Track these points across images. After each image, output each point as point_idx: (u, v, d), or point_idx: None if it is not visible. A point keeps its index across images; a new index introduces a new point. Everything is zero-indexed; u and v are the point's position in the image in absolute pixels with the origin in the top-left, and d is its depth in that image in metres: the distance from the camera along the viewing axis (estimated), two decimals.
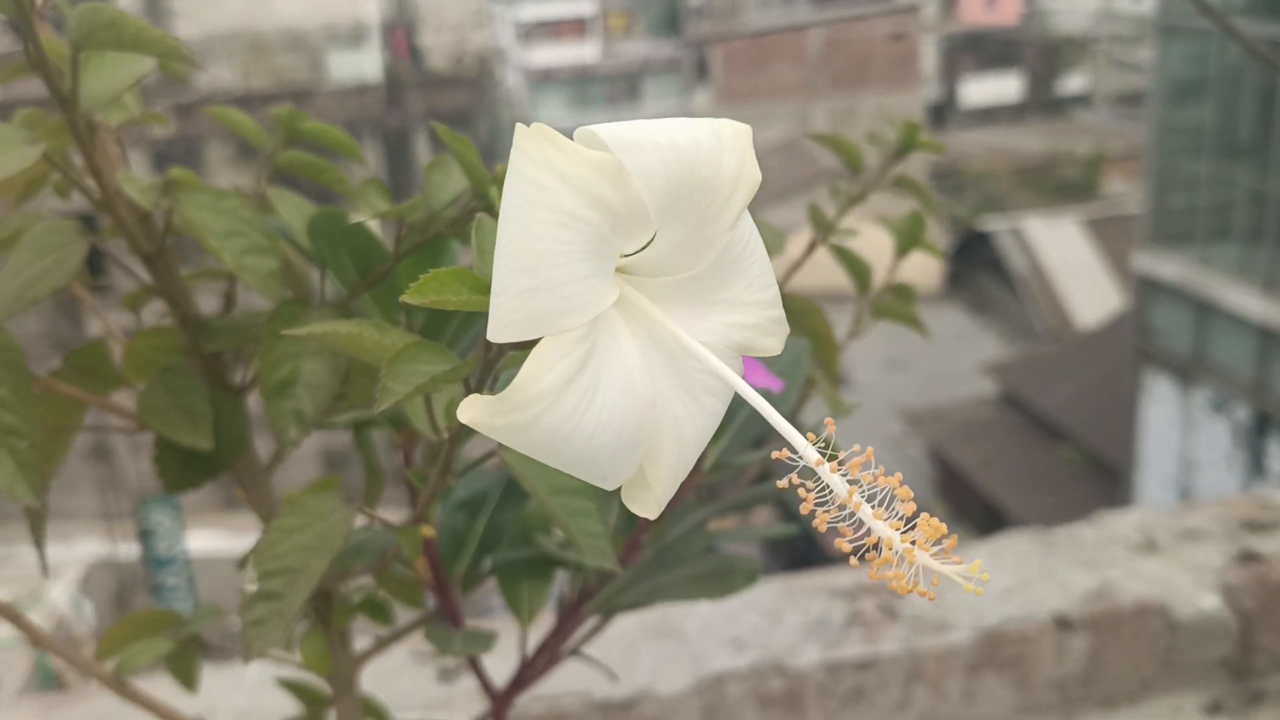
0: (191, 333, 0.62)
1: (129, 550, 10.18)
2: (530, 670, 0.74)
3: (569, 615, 0.71)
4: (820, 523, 0.31)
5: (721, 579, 0.68)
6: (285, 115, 0.64)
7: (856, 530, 0.31)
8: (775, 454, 0.32)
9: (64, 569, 8.95)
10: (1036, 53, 20.92)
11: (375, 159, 12.52)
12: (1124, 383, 11.15)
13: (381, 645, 0.73)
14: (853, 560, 0.31)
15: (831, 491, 0.31)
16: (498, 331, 0.30)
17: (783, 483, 0.32)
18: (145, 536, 10.10)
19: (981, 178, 18.80)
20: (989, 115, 20.85)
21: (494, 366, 0.38)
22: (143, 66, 0.53)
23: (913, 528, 0.30)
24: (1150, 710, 1.39)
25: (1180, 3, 11.08)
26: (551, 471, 0.45)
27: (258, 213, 0.57)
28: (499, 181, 0.51)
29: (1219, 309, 10.02)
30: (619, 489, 0.34)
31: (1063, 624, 1.36)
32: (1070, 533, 1.55)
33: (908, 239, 0.83)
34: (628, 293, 0.34)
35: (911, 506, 0.30)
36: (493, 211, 0.52)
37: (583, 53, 19.44)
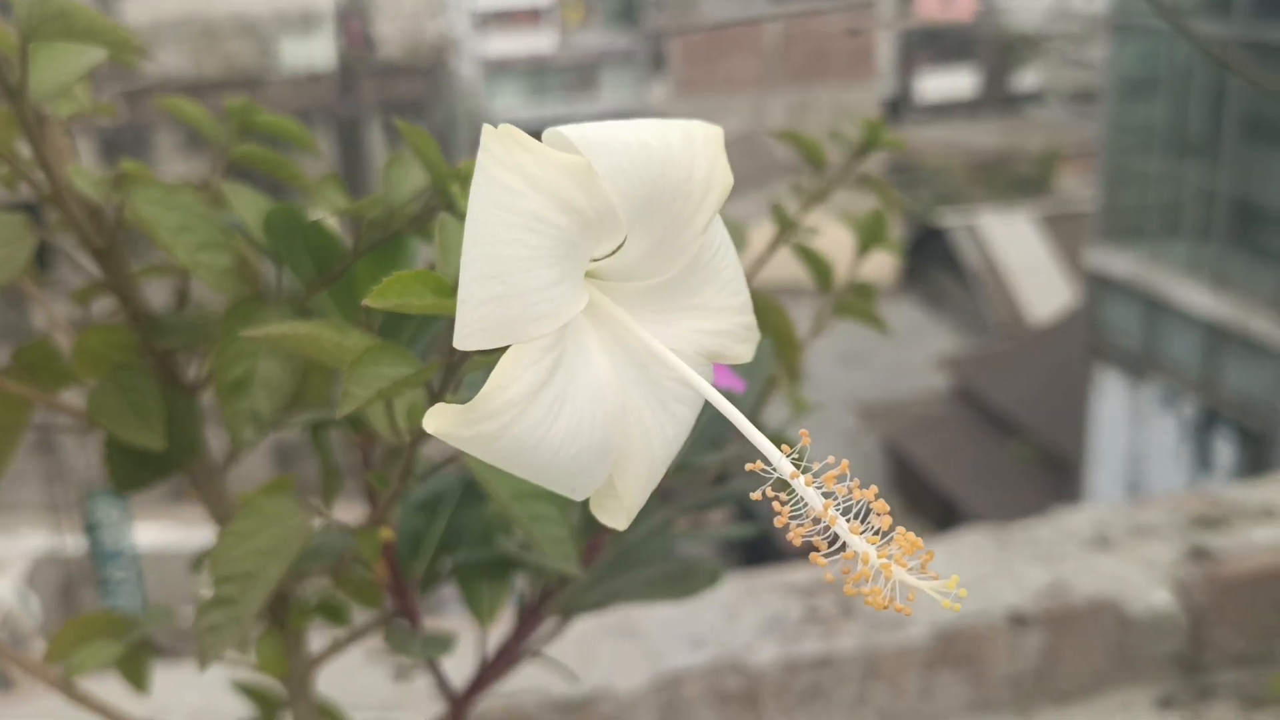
0: (143, 330, 0.61)
1: (75, 543, 10.04)
2: (490, 672, 0.73)
3: (529, 617, 0.71)
4: (795, 537, 0.30)
5: (683, 581, 0.67)
6: (238, 107, 0.63)
7: (831, 544, 0.30)
8: (749, 466, 0.31)
9: (9, 563, 8.81)
10: (991, 50, 21.08)
11: (328, 148, 12.40)
12: (1075, 378, 11.29)
13: (338, 647, 0.72)
14: (828, 575, 0.30)
15: (806, 505, 0.30)
16: (464, 339, 0.29)
17: (756, 494, 0.31)
18: (92, 530, 9.96)
19: (937, 173, 18.93)
20: (944, 111, 20.98)
21: (456, 370, 0.38)
22: (92, 57, 0.52)
23: (889, 541, 0.30)
24: (1103, 705, 1.41)
25: (1133, 2, 11.20)
26: (513, 476, 0.44)
27: (211, 208, 0.56)
28: (460, 178, 0.50)
29: (1168, 305, 10.16)
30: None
31: (1017, 620, 1.37)
32: (1025, 529, 1.56)
33: (869, 237, 0.83)
34: (597, 299, 0.33)
35: (888, 520, 0.30)
36: (454, 209, 0.51)
37: (539, 43, 19.36)
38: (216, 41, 12.26)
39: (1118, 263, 10.59)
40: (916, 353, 14.30)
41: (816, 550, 0.30)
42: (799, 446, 0.31)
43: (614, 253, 0.33)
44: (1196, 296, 9.84)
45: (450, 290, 0.33)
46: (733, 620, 1.39)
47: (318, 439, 0.64)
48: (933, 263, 17.02)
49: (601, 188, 0.30)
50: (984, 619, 1.37)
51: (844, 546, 0.30)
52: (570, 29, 19.98)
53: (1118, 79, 11.50)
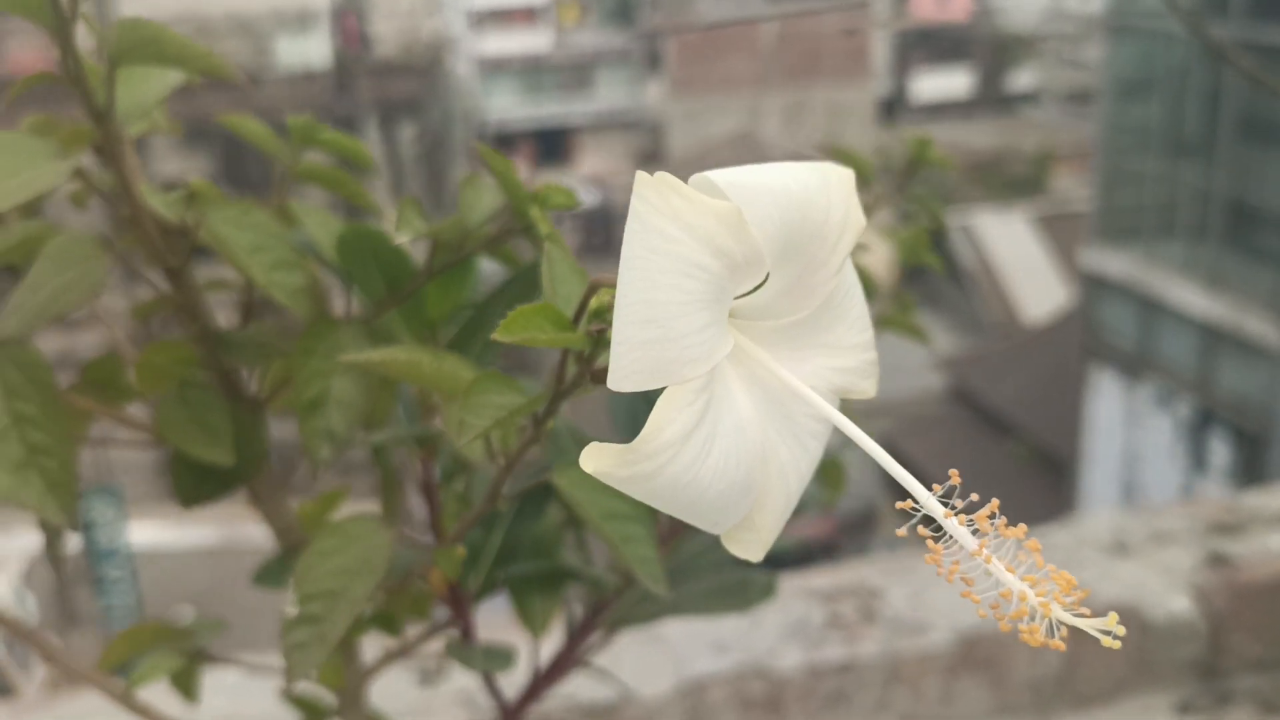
0: (210, 346, 0.61)
1: (71, 542, 10.04)
2: (542, 682, 0.74)
3: (583, 628, 0.71)
4: (949, 575, 0.31)
5: (737, 594, 0.68)
6: (301, 125, 0.64)
7: (984, 580, 0.31)
8: (899, 504, 0.32)
9: (5, 562, 8.80)
10: (986, 50, 21.11)
11: (317, 151, 12.35)
12: (1071, 378, 11.32)
13: (390, 658, 0.73)
14: (980, 611, 0.31)
15: (959, 544, 0.31)
16: (620, 381, 0.30)
17: (902, 531, 0.32)
18: (87, 528, 9.95)
19: (932, 173, 18.90)
20: (939, 111, 21.01)
21: (562, 400, 0.38)
22: (172, 79, 0.52)
23: (1044, 579, 0.30)
24: (1122, 710, 1.42)
25: (1129, 2, 11.23)
26: (604, 497, 0.45)
27: (283, 227, 0.56)
28: (539, 200, 0.51)
29: (1164, 305, 10.19)
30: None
31: None
32: (1043, 534, 1.57)
33: (911, 253, 0.84)
34: (736, 338, 0.33)
35: (1040, 559, 0.31)
36: (531, 234, 0.52)
37: (535, 42, 19.35)
38: (212, 40, 12.24)
39: (1113, 263, 10.61)
40: (913, 352, 14.32)
41: (969, 588, 0.31)
42: (947, 484, 0.32)
43: (752, 292, 0.34)
44: (1192, 297, 9.88)
45: (568, 324, 0.34)
46: (755, 625, 1.40)
47: (379, 454, 0.65)
48: None
49: (750, 232, 0.30)
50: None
51: (999, 585, 0.30)
52: (566, 28, 19.98)
53: (1114, 80, 11.53)
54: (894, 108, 21.15)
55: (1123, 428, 10.59)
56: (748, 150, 17.25)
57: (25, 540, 9.58)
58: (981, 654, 1.38)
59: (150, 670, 0.68)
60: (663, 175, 0.30)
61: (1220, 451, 10.17)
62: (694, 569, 0.69)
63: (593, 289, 0.34)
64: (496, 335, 0.33)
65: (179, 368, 0.63)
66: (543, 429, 0.40)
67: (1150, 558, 1.48)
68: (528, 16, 19.53)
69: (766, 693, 1.34)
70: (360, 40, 13.96)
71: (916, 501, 0.32)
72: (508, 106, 18.48)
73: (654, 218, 0.29)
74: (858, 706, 1.37)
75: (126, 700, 0.67)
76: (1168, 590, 1.42)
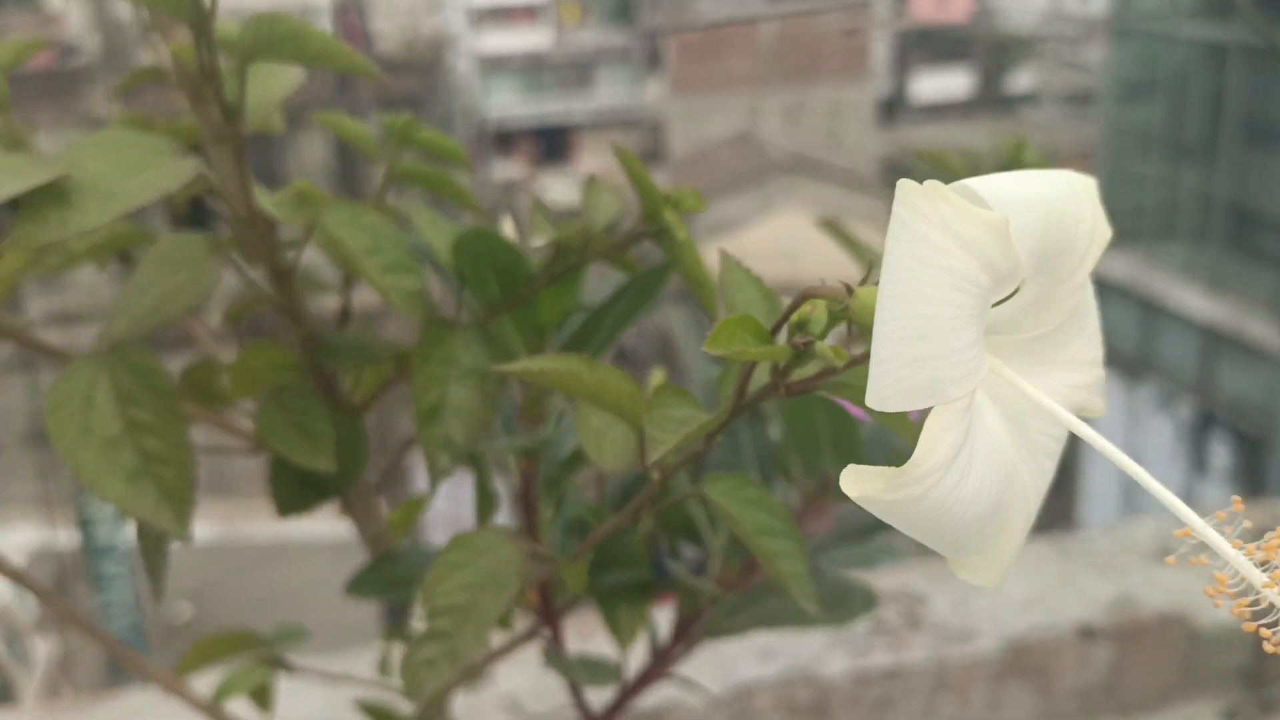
0: (311, 350, 0.60)
1: (69, 538, 10.00)
2: (630, 692, 0.72)
3: (677, 639, 0.70)
4: (1238, 610, 0.29)
5: (837, 606, 0.67)
6: (399, 124, 0.62)
7: (1269, 615, 0.29)
8: (1177, 533, 0.31)
9: (5, 558, 8.76)
10: (986, 50, 21.12)
11: (323, 144, 12.36)
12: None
13: (474, 670, 0.72)
14: (1267, 646, 0.29)
15: (1242, 577, 0.30)
16: (882, 400, 0.28)
17: (1171, 559, 0.30)
18: (85, 524, 9.93)
19: (931, 173, 18.91)
20: (939, 111, 21.01)
21: (740, 414, 0.37)
22: (294, 77, 0.51)
23: None
24: (1168, 717, 1.40)
25: (1131, 4, 11.24)
26: (755, 511, 0.43)
27: (396, 229, 0.55)
28: (673, 204, 0.49)
29: (1165, 308, 10.20)
30: None
31: (1086, 633, 1.37)
32: (1083, 540, 1.56)
33: None
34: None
35: None
36: (662, 239, 0.50)
37: (535, 40, 19.33)
38: None
39: (1114, 265, 10.62)
40: None
41: (1253, 620, 0.29)
42: (1229, 511, 0.31)
43: (999, 304, 0.32)
44: (1193, 299, 9.89)
45: (768, 336, 0.33)
46: (801, 631, 1.38)
47: (477, 465, 0.63)
48: None
49: (1013, 245, 0.29)
50: (1053, 632, 1.36)
51: None
52: (566, 26, 19.96)
53: (1115, 82, 11.53)
54: (894, 108, 21.16)
55: (1123, 429, 10.60)
56: (747, 150, 17.24)
57: (24, 536, 9.56)
58: (1029, 661, 1.37)
59: (238, 681, 0.66)
60: (933, 183, 0.28)
61: (1221, 454, 10.18)
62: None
63: (802, 299, 0.33)
64: (707, 348, 0.32)
65: (276, 371, 0.62)
66: (713, 441, 0.38)
67: (1194, 566, 1.47)
68: (528, 15, 19.50)
69: (813, 699, 1.32)
70: (361, 37, 13.93)
71: (1195, 530, 0.31)
72: (508, 104, 18.46)
73: (923, 227, 0.28)
74: (904, 713, 1.36)
75: (214, 711, 0.66)
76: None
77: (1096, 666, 1.38)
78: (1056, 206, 0.31)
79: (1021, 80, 21.55)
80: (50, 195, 0.46)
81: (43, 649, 7.37)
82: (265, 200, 0.54)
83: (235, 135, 0.47)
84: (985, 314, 0.29)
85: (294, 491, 0.60)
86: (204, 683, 0.74)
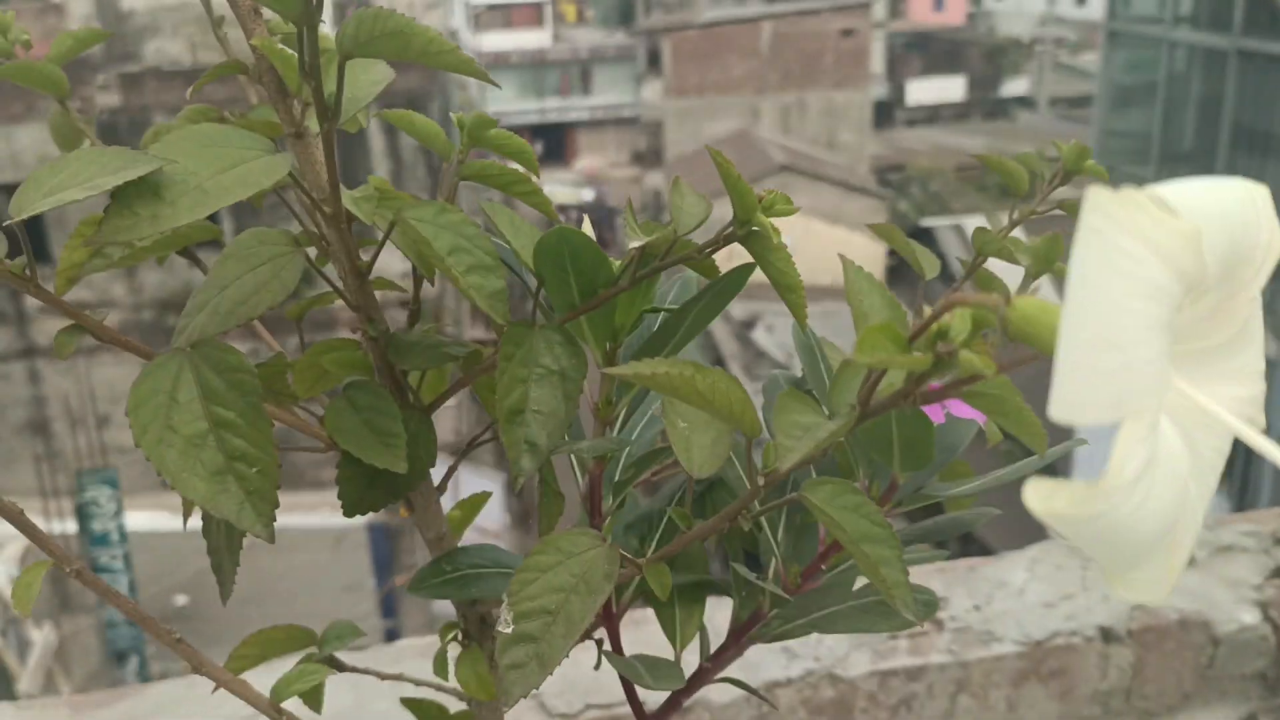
0: (382, 349, 0.59)
1: (66, 527, 10.00)
2: (682, 694, 0.72)
3: (733, 641, 0.70)
4: None
5: (893, 611, 0.66)
6: (470, 121, 0.62)
7: None
8: None
9: (2, 545, 8.75)
10: (981, 54, 21.17)
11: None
12: (939, 304, 11.34)
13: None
14: None
15: None
16: (1070, 411, 0.28)
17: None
18: (83, 513, 9.93)
19: (926, 175, 18.99)
20: (934, 114, 21.05)
21: (863, 422, 0.37)
22: (385, 74, 0.51)
23: None
24: None
25: (1127, 9, 11.26)
26: (857, 518, 0.43)
27: (479, 228, 0.54)
28: (766, 209, 0.49)
29: None
30: None
31: (1108, 637, 1.37)
32: None
33: (1042, 262, 0.82)
34: None
35: None
36: (752, 242, 0.50)
37: (534, 38, 19.31)
38: (210, 27, 12.15)
39: None
40: None
41: None
42: None
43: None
44: None
45: (905, 344, 0.33)
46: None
47: (543, 467, 0.63)
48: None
49: (1203, 254, 0.29)
50: (1076, 636, 1.37)
51: None
52: (565, 26, 19.94)
53: (1111, 86, 11.56)
54: (890, 110, 21.19)
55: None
56: (744, 149, 17.25)
57: None
58: (1050, 665, 1.37)
59: (296, 680, 0.66)
60: (1127, 191, 0.28)
61: None
62: (851, 582, 0.68)
63: (947, 307, 0.33)
64: (857, 358, 0.32)
65: (343, 369, 0.62)
66: (829, 448, 0.38)
67: (1216, 570, 1.47)
68: (526, 13, 19.49)
69: (836, 699, 1.32)
70: None
71: None
72: (506, 102, 18.44)
73: (1118, 235, 0.27)
74: (925, 714, 1.36)
75: (273, 709, 0.65)
76: (1236, 603, 1.41)
77: (1118, 670, 1.38)
78: (1238, 216, 0.31)
79: (1016, 84, 21.61)
80: (141, 189, 0.46)
81: (39, 637, 7.35)
82: (348, 198, 0.53)
83: (329, 133, 0.47)
84: (1174, 324, 0.29)
85: (362, 491, 0.60)
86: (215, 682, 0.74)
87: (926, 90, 20.98)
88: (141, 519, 10.44)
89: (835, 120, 18.75)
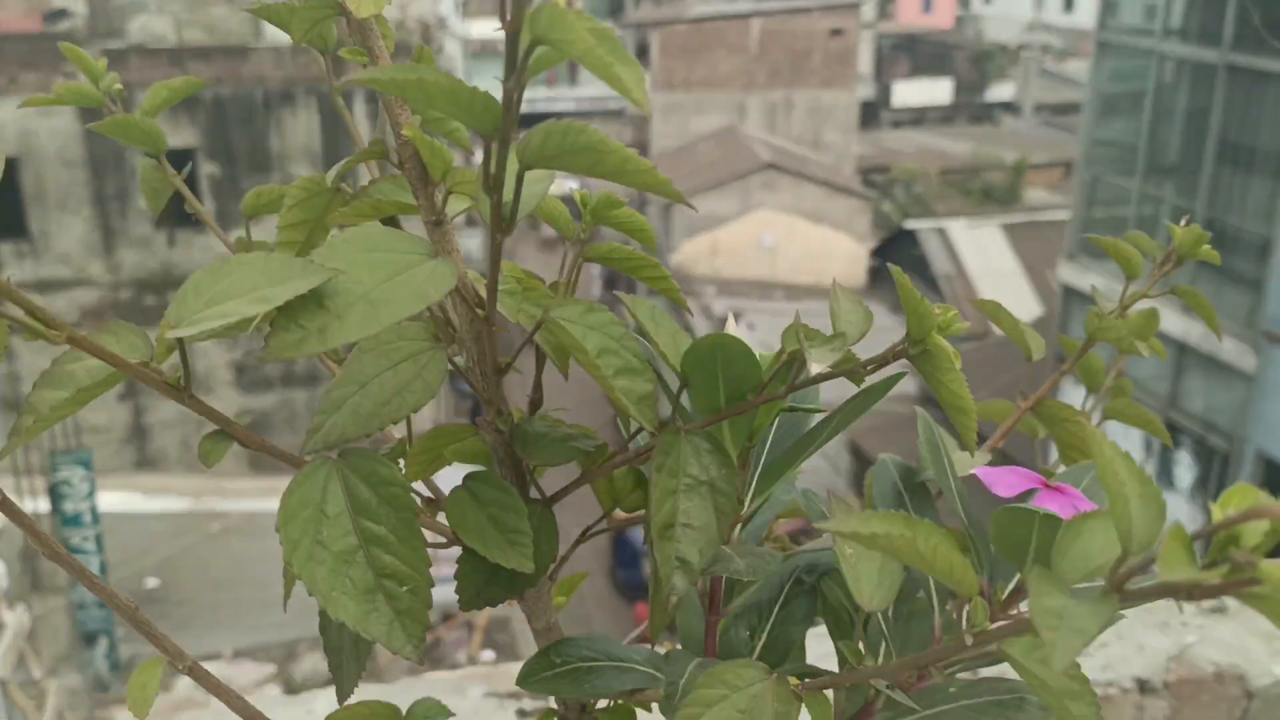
0: (506, 442, 0.57)
1: (38, 506, 9.89)
2: None
3: None
4: None
5: (1010, 711, 0.65)
6: (597, 202, 0.60)
7: None
8: None
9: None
10: (968, 58, 21.22)
11: (310, 122, 12.25)
12: (1041, 389, 11.36)
13: None
14: None
15: None
16: None
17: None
18: (55, 494, 9.83)
19: (910, 177, 19.03)
20: (920, 116, 21.09)
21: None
22: (548, 182, 0.49)
23: None
24: None
25: (1117, 19, 11.30)
26: (1064, 677, 0.41)
27: (626, 328, 0.52)
28: (943, 329, 0.47)
29: None
30: None
31: (1144, 688, 1.36)
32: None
33: (1138, 333, 0.81)
34: None
35: None
36: (923, 361, 0.48)
37: None
38: (200, 7, 12.05)
39: (1089, 278, 10.69)
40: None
41: None
42: None
43: None
44: (1166, 316, 9.96)
45: (1194, 557, 0.31)
46: None
47: (655, 569, 0.61)
48: (902, 265, 17.13)
49: None
50: (1112, 688, 1.36)
51: None
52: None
53: (1098, 95, 11.60)
54: (877, 111, 21.22)
55: None
56: (730, 145, 17.24)
57: None
58: None
59: None
60: None
61: (1189, 468, 10.31)
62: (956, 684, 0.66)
63: (1250, 516, 0.31)
64: (1163, 575, 0.30)
65: (464, 459, 0.59)
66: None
67: (1248, 619, 1.47)
68: None
69: None
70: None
71: None
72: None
73: None
74: None
75: None
76: (1270, 656, 1.41)
77: (1154, 718, 1.37)
78: None
79: (1001, 89, 21.68)
80: (306, 299, 0.44)
81: (11, 619, 7.27)
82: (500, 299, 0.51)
83: (498, 244, 0.44)
84: None
85: (481, 586, 0.58)
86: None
87: (913, 92, 21.01)
88: (114, 500, 10.35)
89: (821, 119, 18.76)
